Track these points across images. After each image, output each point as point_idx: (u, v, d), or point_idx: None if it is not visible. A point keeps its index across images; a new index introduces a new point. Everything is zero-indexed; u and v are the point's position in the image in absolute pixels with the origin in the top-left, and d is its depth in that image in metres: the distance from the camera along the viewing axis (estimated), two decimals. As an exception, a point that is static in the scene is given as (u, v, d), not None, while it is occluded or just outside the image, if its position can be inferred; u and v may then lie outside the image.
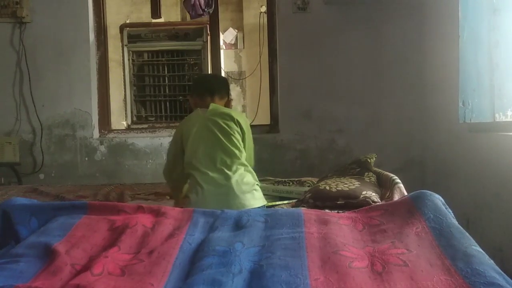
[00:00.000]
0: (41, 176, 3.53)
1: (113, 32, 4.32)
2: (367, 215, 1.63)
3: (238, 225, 1.57)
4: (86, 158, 3.56)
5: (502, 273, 1.18)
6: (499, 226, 2.41)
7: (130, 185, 2.92)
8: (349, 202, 1.99)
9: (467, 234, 1.41)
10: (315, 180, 2.58)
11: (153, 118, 3.89)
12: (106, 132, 3.68)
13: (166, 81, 3.86)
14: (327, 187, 2.10)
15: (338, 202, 2.01)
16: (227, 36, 5.80)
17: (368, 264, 1.27)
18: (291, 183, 2.62)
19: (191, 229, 1.54)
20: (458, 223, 1.49)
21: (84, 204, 1.74)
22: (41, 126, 3.51)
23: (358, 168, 2.39)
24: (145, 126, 3.82)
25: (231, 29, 5.88)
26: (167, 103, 3.87)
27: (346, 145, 3.52)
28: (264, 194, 2.18)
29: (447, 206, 1.59)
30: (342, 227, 1.54)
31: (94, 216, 1.64)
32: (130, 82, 3.86)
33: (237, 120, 2.15)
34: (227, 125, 2.13)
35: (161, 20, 4.06)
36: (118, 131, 3.75)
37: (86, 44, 3.55)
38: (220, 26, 3.96)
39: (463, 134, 2.76)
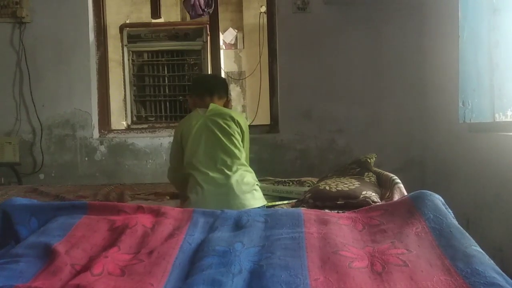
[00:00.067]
0: (41, 176, 3.53)
1: (113, 32, 4.33)
2: (367, 215, 1.63)
3: (238, 225, 1.57)
4: (86, 158, 3.56)
5: (502, 273, 1.18)
6: (499, 226, 2.41)
7: (130, 185, 2.92)
8: (349, 202, 1.99)
9: (467, 234, 1.41)
10: (315, 180, 2.58)
11: (153, 118, 3.89)
12: (106, 132, 3.68)
13: (166, 81, 3.86)
14: (327, 187, 2.10)
15: (338, 202, 2.01)
16: (227, 36, 5.80)
17: (368, 264, 1.27)
18: (291, 183, 2.62)
19: (191, 229, 1.54)
20: (458, 223, 1.49)
21: (84, 204, 1.74)
22: (41, 126, 3.51)
23: (358, 168, 2.39)
24: (145, 126, 3.82)
25: (231, 29, 5.88)
26: (167, 103, 3.86)
27: (346, 145, 3.52)
28: (264, 194, 2.18)
29: (447, 206, 1.59)
30: (342, 227, 1.54)
31: (94, 216, 1.64)
32: (130, 82, 3.86)
33: (237, 121, 2.16)
34: (227, 125, 2.13)
35: (161, 20, 4.06)
36: (118, 131, 3.75)
37: (86, 44, 3.55)
38: (220, 26, 3.96)
39: (463, 134, 2.76)
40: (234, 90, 5.94)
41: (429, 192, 1.63)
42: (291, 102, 3.54)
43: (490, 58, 2.38)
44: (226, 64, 5.56)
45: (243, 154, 2.14)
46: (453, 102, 2.64)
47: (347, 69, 3.51)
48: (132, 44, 3.84)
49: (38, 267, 1.30)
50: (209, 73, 3.72)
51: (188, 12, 3.59)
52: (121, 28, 3.90)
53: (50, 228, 1.54)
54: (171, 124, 3.74)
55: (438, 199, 1.60)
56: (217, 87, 2.28)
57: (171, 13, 5.67)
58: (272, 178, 2.80)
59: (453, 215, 1.55)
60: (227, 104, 2.31)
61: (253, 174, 2.16)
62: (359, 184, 2.11)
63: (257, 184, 2.13)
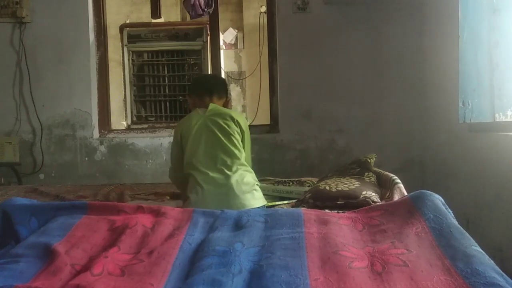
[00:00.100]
0: (41, 176, 3.53)
1: (113, 32, 4.32)
2: (367, 215, 1.63)
3: (238, 225, 1.57)
4: (86, 158, 3.56)
5: (502, 273, 1.18)
6: (499, 226, 2.41)
7: (130, 185, 2.92)
8: (349, 202, 1.99)
9: (467, 234, 1.41)
10: (315, 180, 2.58)
11: (153, 118, 3.89)
12: (106, 132, 3.68)
13: (166, 81, 3.86)
14: (327, 187, 2.10)
15: (338, 202, 2.01)
16: (227, 36, 5.80)
17: (368, 264, 1.27)
18: (291, 183, 2.62)
19: (191, 229, 1.54)
20: (458, 223, 1.49)
21: (84, 204, 1.74)
22: (41, 126, 3.51)
23: (358, 168, 2.39)
24: (145, 126, 3.82)
25: (231, 29, 5.88)
26: (167, 103, 3.86)
27: (346, 145, 3.52)
28: (264, 194, 2.18)
29: (447, 206, 1.59)
30: (342, 227, 1.54)
31: (94, 216, 1.64)
32: (130, 82, 3.86)
33: (237, 121, 2.16)
34: (227, 125, 2.13)
35: (161, 20, 4.06)
36: (118, 131, 3.75)
37: (86, 44, 3.55)
38: (220, 26, 3.96)
39: (463, 134, 2.76)
40: (234, 90, 5.94)
41: (429, 192, 1.63)
42: (291, 102, 3.54)
43: (490, 58, 2.38)
44: (226, 64, 5.56)
45: (243, 154, 2.14)
46: (453, 102, 2.64)
47: (347, 69, 3.51)
48: (132, 44, 3.84)
49: (38, 267, 1.30)
50: (209, 73, 3.72)
51: (188, 12, 3.59)
52: (121, 28, 3.90)
53: (50, 228, 1.54)
54: (171, 124, 3.74)
55: (438, 199, 1.60)
56: (216, 87, 2.29)
57: (171, 13, 5.67)
58: (272, 178, 2.80)
59: (453, 215, 1.55)
60: (226, 104, 2.31)
61: (253, 174, 2.16)
62: (359, 184, 2.11)
63: (257, 184, 2.13)
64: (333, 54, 3.50)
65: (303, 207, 1.99)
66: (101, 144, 3.57)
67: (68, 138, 3.55)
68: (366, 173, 2.31)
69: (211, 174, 2.05)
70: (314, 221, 1.57)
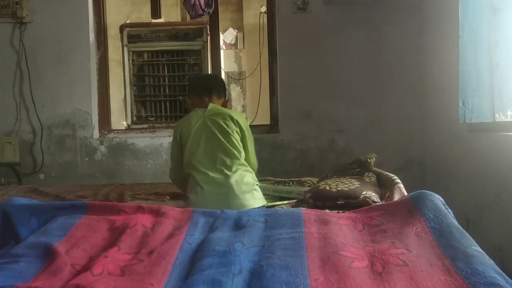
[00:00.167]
0: (41, 176, 3.53)
1: (113, 32, 4.33)
2: (367, 215, 1.63)
3: (238, 225, 1.57)
4: (86, 158, 3.56)
5: (502, 273, 1.18)
6: (499, 226, 2.41)
7: (130, 185, 2.92)
8: (349, 202, 1.99)
9: (467, 234, 1.41)
10: (315, 180, 2.58)
11: (153, 118, 3.89)
12: (106, 132, 3.68)
13: (166, 81, 3.87)
14: (327, 187, 2.10)
15: (338, 202, 2.01)
16: (227, 36, 5.80)
17: (368, 264, 1.27)
18: (291, 183, 2.62)
19: (191, 229, 1.54)
20: (458, 223, 1.49)
21: (84, 204, 1.74)
22: (41, 126, 3.51)
23: (358, 168, 2.39)
24: (145, 126, 3.82)
25: (231, 29, 5.88)
26: (167, 103, 3.87)
27: (346, 145, 3.52)
28: (264, 194, 2.18)
29: (447, 206, 1.59)
30: (342, 227, 1.54)
31: (94, 216, 1.64)
32: (130, 82, 3.86)
33: (236, 120, 2.16)
34: (226, 125, 2.13)
35: (161, 20, 4.06)
36: (118, 131, 3.75)
37: (86, 44, 3.55)
38: (220, 26, 3.96)
39: (463, 134, 2.76)
40: (234, 90, 5.95)
41: (429, 192, 1.63)
42: (291, 102, 3.54)
43: (490, 58, 2.38)
44: (226, 64, 5.56)
45: (242, 154, 2.14)
46: (453, 102, 2.64)
47: (347, 69, 3.51)
48: (132, 44, 3.84)
49: (38, 267, 1.30)
50: (208, 73, 3.72)
51: (188, 12, 3.59)
52: (121, 28, 3.90)
53: (50, 228, 1.54)
54: (171, 124, 3.74)
55: (438, 199, 1.60)
56: (215, 87, 2.29)
57: (171, 13, 5.67)
58: (272, 178, 2.80)
59: (453, 215, 1.55)
60: (225, 104, 2.31)
61: (253, 174, 2.16)
62: (359, 184, 2.11)
63: (257, 184, 2.13)
64: (333, 54, 3.50)
65: (303, 207, 1.99)
66: (101, 144, 3.57)
67: (68, 138, 3.55)
68: (366, 173, 2.31)
69: (210, 174, 2.05)
70: (314, 221, 1.57)
